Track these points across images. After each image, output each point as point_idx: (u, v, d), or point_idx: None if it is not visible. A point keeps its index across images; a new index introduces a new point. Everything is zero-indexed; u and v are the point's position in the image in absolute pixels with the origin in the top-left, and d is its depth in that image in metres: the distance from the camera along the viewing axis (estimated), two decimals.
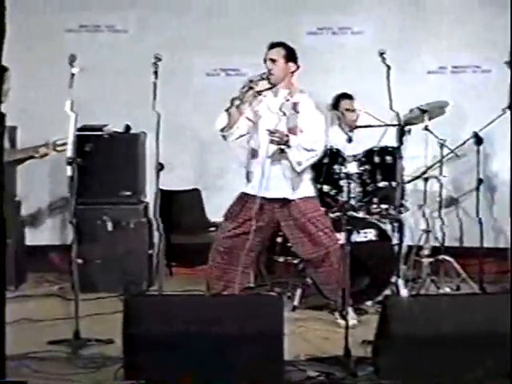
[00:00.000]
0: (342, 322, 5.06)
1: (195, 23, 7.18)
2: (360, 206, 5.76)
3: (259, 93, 5.13)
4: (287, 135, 5.02)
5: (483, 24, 6.95)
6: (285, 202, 5.19)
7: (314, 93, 6.79)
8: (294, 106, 5.17)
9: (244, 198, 5.23)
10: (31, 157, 5.55)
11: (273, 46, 5.21)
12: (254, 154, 5.22)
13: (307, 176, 5.30)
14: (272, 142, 5.04)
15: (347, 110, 6.27)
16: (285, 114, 5.12)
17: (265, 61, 5.19)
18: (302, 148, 5.06)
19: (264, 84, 5.14)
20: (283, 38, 6.89)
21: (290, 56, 5.21)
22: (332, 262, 5.22)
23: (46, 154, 5.39)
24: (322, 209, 5.39)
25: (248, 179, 5.24)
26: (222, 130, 5.12)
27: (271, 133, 5.01)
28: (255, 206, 5.13)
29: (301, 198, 5.20)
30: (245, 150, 5.30)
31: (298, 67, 5.23)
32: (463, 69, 7.10)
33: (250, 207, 5.17)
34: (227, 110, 5.07)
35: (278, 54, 5.17)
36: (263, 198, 5.15)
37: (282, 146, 5.04)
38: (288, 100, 5.17)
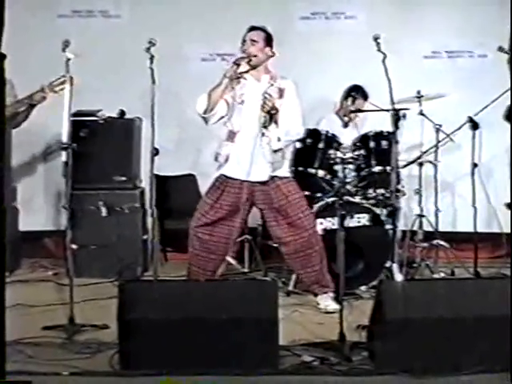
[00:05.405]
0: (322, 307, 5.26)
1: (189, 8, 7.13)
2: (356, 190, 5.77)
3: (241, 74, 5.09)
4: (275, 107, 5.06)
5: (477, 9, 6.92)
6: (265, 183, 5.21)
7: (307, 77, 6.84)
8: (280, 91, 5.18)
9: (225, 181, 5.22)
10: (29, 108, 5.56)
11: (253, 28, 5.24)
12: (230, 136, 5.22)
13: (286, 161, 5.35)
14: (263, 106, 5.06)
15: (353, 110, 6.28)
16: (269, 96, 5.09)
17: (243, 42, 5.19)
18: (281, 130, 5.10)
19: (245, 66, 5.13)
20: (276, 22, 6.91)
21: (269, 40, 5.23)
22: (313, 245, 5.26)
23: (43, 98, 5.45)
24: (301, 192, 5.37)
25: (216, 160, 5.24)
26: (204, 112, 5.10)
27: (265, 97, 5.05)
28: (237, 190, 5.18)
29: (280, 179, 5.23)
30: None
31: (273, 54, 5.23)
32: (459, 53, 7.08)
33: (231, 191, 5.20)
34: (209, 93, 5.06)
35: (259, 35, 5.19)
36: (245, 181, 5.18)
37: (272, 112, 5.05)
38: (272, 85, 5.19)
